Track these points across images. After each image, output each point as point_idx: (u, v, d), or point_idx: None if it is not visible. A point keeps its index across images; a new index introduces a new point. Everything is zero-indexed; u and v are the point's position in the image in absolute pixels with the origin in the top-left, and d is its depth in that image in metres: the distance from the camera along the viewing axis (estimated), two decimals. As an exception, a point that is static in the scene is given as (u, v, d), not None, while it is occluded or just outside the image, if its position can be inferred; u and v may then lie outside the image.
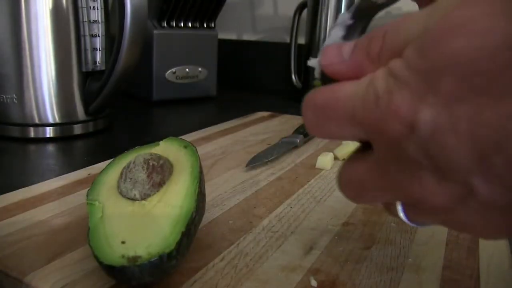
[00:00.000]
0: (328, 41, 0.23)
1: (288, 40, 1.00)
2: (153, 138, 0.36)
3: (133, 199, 0.28)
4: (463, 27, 0.15)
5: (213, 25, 0.89)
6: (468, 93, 0.14)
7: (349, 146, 0.52)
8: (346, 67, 0.20)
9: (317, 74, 0.23)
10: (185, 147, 0.33)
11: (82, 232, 0.31)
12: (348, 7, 0.86)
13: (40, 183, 0.40)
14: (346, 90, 0.19)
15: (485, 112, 0.14)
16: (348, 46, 0.20)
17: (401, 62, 0.17)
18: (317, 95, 0.20)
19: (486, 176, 0.15)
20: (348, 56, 0.20)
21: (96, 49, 0.58)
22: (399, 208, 0.20)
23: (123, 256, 0.24)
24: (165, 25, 0.83)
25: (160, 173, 0.29)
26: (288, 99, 0.98)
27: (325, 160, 0.48)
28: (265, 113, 0.75)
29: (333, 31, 0.23)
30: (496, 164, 0.14)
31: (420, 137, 0.16)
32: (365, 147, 0.20)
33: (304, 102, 0.20)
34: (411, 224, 0.20)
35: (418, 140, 0.16)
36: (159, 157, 0.31)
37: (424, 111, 0.15)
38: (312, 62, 0.23)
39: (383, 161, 0.18)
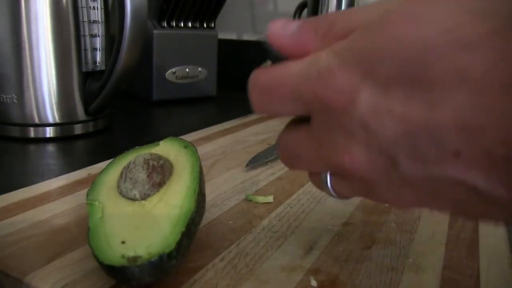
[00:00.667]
0: None
1: (288, 40, 1.00)
2: (153, 138, 0.36)
3: (133, 199, 0.28)
4: (407, 18, 0.16)
5: (213, 25, 0.89)
6: (403, 78, 0.16)
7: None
8: (291, 41, 0.20)
9: (270, 56, 0.23)
10: (185, 147, 0.33)
11: (82, 232, 0.31)
12: (348, 6, 0.86)
13: (40, 183, 0.40)
14: (290, 68, 0.20)
15: (415, 98, 0.16)
16: (295, 22, 0.21)
17: (346, 43, 0.18)
18: (262, 75, 0.21)
19: (410, 152, 0.17)
20: (294, 30, 0.20)
21: (96, 49, 0.58)
22: (328, 178, 0.21)
23: (123, 256, 0.24)
24: (165, 25, 0.83)
25: (160, 173, 0.29)
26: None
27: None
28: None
29: None
30: (420, 142, 0.16)
31: (358, 112, 0.17)
32: (303, 119, 0.21)
33: (249, 82, 0.21)
34: (334, 196, 0.22)
35: (355, 114, 0.17)
36: (159, 157, 0.31)
37: (364, 91, 0.17)
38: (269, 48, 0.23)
39: (319, 132, 0.20)
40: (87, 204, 0.29)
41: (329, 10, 0.86)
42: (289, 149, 0.22)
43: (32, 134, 0.57)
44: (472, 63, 0.15)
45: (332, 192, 0.22)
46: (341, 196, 0.22)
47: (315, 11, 0.88)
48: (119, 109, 0.76)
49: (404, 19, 0.16)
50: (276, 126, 0.67)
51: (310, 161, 0.21)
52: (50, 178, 0.41)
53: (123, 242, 0.25)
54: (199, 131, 0.61)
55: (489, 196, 0.16)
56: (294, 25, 0.21)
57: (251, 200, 0.38)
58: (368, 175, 0.18)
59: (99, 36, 0.58)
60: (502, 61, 0.14)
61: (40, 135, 0.57)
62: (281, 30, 0.21)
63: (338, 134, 0.18)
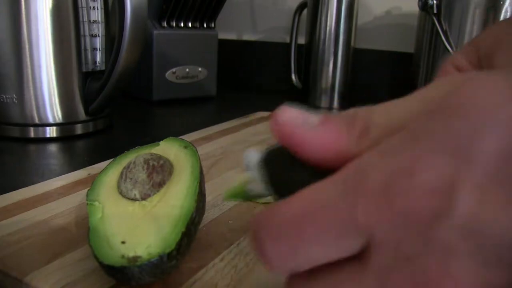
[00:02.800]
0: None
1: (288, 40, 1.00)
2: (153, 138, 0.36)
3: (133, 199, 0.28)
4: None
5: (213, 25, 0.89)
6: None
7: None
8: (315, 136, 0.15)
9: (258, 177, 0.16)
10: (185, 147, 0.33)
11: (82, 232, 0.31)
12: (348, 6, 0.86)
13: (40, 183, 0.40)
14: (323, 188, 0.14)
15: None
16: (315, 115, 0.15)
17: (410, 134, 0.13)
18: (278, 210, 0.14)
19: None
20: (316, 123, 0.15)
21: (96, 49, 0.58)
22: None
23: (123, 256, 0.24)
24: (165, 25, 0.83)
25: (160, 173, 0.29)
26: (288, 99, 0.98)
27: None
28: (265, 113, 0.75)
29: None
30: None
31: (459, 216, 0.12)
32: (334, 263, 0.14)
33: (254, 227, 0.15)
34: None
35: (455, 221, 0.12)
36: (159, 157, 0.31)
37: (465, 185, 0.12)
38: (251, 156, 0.17)
39: (387, 268, 0.13)
40: (87, 204, 0.29)
41: (329, 10, 0.86)
42: None
43: (32, 134, 0.57)
44: None
45: None
46: None
47: (315, 11, 0.88)
48: (119, 109, 0.76)
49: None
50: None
51: None
52: (50, 178, 0.41)
53: (123, 242, 0.25)
54: (199, 131, 0.61)
55: None
56: (313, 118, 0.15)
57: (251, 200, 0.38)
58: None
59: (99, 36, 0.58)
60: None
61: (40, 135, 0.57)
62: (297, 119, 0.15)
63: (426, 257, 0.13)
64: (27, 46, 0.54)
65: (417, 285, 0.13)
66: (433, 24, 0.72)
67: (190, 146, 0.33)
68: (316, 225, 0.13)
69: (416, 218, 0.13)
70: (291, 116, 0.15)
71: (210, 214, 0.35)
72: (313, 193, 0.14)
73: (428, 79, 0.78)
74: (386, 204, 0.13)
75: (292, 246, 0.14)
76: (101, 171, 0.32)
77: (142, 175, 0.29)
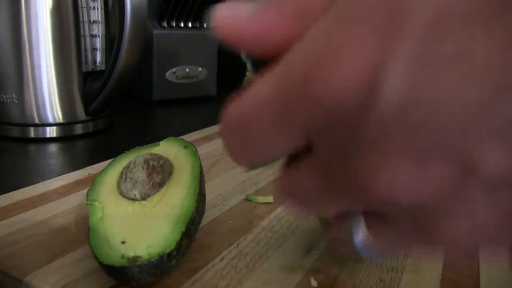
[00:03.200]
0: None
1: (288, 40, 1.00)
2: (153, 138, 0.36)
3: (133, 199, 0.28)
4: None
5: (213, 25, 0.89)
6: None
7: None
8: (254, 28, 0.14)
9: (249, 67, 0.17)
10: (186, 147, 0.33)
11: (82, 232, 0.31)
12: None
13: (40, 183, 0.40)
14: (263, 80, 0.14)
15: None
16: (254, 5, 0.14)
17: (339, 9, 0.12)
18: (231, 109, 0.15)
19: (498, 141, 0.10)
20: (252, 14, 0.14)
21: (96, 49, 0.58)
22: (355, 227, 0.15)
23: (123, 256, 0.24)
24: (165, 25, 0.83)
25: (160, 173, 0.29)
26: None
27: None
28: (265, 113, 0.75)
29: None
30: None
31: (388, 102, 0.11)
32: (295, 155, 0.15)
33: (220, 124, 0.16)
34: (365, 253, 0.15)
35: (384, 107, 0.11)
36: (159, 157, 0.31)
37: (394, 62, 0.11)
38: (244, 56, 0.18)
39: (328, 158, 0.13)
40: (87, 204, 0.29)
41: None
42: (295, 196, 0.15)
43: (32, 134, 0.57)
44: None
45: (362, 246, 0.15)
46: (378, 250, 0.15)
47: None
48: (119, 109, 0.76)
49: None
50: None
51: (332, 201, 0.14)
52: (50, 178, 0.41)
53: (123, 242, 0.25)
54: (199, 131, 0.61)
55: None
56: (248, 7, 0.14)
57: (251, 200, 0.38)
58: (426, 194, 0.12)
59: (99, 36, 0.58)
60: None
61: (40, 135, 0.57)
62: (234, 12, 0.14)
63: (360, 149, 0.12)
64: (27, 46, 0.54)
65: (356, 181, 0.12)
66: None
67: (190, 146, 0.33)
68: (258, 122, 0.14)
69: (342, 112, 0.11)
70: (229, 10, 0.15)
71: (210, 214, 0.35)
72: (256, 89, 0.14)
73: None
74: (310, 99, 0.12)
75: (243, 141, 0.14)
76: (101, 171, 0.32)
77: (142, 175, 0.29)
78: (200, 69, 0.89)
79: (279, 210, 0.36)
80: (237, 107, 0.14)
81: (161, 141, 0.34)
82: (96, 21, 0.57)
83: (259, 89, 0.14)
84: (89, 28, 0.57)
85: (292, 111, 0.13)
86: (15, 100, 0.56)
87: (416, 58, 0.10)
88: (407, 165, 0.11)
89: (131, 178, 0.29)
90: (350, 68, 0.11)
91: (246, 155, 0.15)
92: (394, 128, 0.11)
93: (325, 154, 0.13)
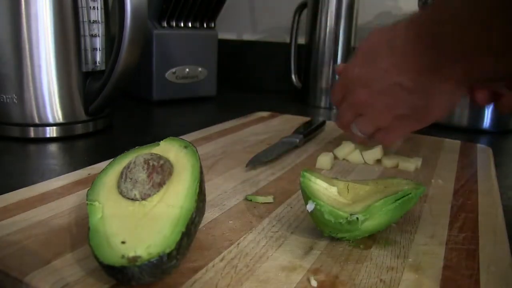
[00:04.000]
0: None
1: (288, 40, 1.00)
2: (153, 138, 0.36)
3: (133, 199, 0.28)
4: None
5: (213, 25, 0.89)
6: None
7: (349, 146, 0.52)
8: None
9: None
10: (186, 147, 0.33)
11: (82, 232, 0.31)
12: (348, 6, 0.86)
13: (40, 183, 0.40)
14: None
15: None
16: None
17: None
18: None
19: (362, 83, 0.45)
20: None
21: (96, 49, 0.58)
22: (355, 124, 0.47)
23: (123, 256, 0.24)
24: (165, 25, 0.83)
25: (160, 173, 0.29)
26: (288, 99, 0.98)
27: (325, 160, 0.48)
28: (265, 113, 0.75)
29: None
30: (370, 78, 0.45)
31: (354, 78, 0.44)
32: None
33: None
34: (358, 131, 0.47)
35: (354, 80, 0.44)
36: (160, 157, 0.31)
37: (354, 69, 0.44)
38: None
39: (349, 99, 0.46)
40: (87, 204, 0.29)
41: (329, 10, 0.86)
42: (340, 115, 0.49)
43: (32, 134, 0.57)
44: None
45: (357, 130, 0.47)
46: (363, 130, 0.47)
47: (315, 11, 0.88)
48: (119, 109, 0.77)
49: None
50: (276, 126, 0.67)
51: (347, 110, 0.47)
52: (50, 178, 0.41)
53: (123, 242, 0.25)
54: (199, 131, 0.61)
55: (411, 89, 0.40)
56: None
57: (251, 200, 0.38)
58: (365, 100, 0.43)
59: (99, 36, 0.58)
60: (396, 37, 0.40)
61: (40, 135, 0.57)
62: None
63: (354, 92, 0.45)
64: (27, 46, 0.54)
65: (358, 104, 0.45)
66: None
67: (190, 146, 0.33)
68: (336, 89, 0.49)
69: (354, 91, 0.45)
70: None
71: (210, 214, 0.35)
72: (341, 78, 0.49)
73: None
74: (350, 91, 0.46)
75: (337, 97, 0.49)
76: (101, 171, 0.32)
77: (142, 175, 0.29)
78: (200, 69, 0.89)
79: (279, 210, 0.36)
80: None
81: (161, 141, 0.34)
82: (96, 21, 0.57)
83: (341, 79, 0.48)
84: (89, 28, 0.57)
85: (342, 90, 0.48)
86: (15, 100, 0.56)
87: (363, 63, 0.44)
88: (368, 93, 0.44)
89: (131, 178, 0.29)
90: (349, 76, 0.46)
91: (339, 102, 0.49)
92: (362, 85, 0.44)
93: (348, 100, 0.47)
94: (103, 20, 0.58)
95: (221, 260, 0.28)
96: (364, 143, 0.50)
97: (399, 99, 0.40)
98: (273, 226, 0.34)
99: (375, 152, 0.51)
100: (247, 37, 1.14)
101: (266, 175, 0.45)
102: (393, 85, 0.39)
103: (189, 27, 0.86)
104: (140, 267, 0.23)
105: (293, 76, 0.98)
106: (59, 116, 0.58)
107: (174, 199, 0.28)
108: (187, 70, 0.87)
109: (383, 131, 0.46)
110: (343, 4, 0.86)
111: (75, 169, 0.44)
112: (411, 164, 0.49)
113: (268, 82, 1.11)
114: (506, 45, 0.31)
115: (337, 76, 0.51)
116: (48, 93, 0.56)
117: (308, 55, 0.91)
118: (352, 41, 0.88)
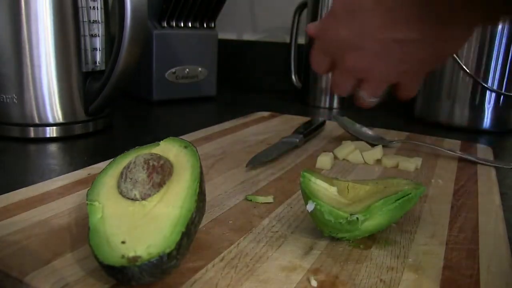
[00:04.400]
0: None
1: (288, 40, 1.00)
2: (153, 138, 0.36)
3: (133, 199, 0.28)
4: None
5: (213, 25, 0.89)
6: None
7: (349, 147, 0.52)
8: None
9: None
10: (186, 147, 0.33)
11: (82, 232, 0.31)
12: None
13: (40, 183, 0.40)
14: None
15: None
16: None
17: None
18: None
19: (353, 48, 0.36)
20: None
21: (96, 49, 0.58)
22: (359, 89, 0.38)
23: (123, 256, 0.24)
24: (165, 25, 0.83)
25: (161, 173, 0.29)
26: (288, 99, 0.98)
27: (325, 160, 0.48)
28: (265, 113, 0.75)
29: None
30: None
31: (342, 38, 0.35)
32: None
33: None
34: (368, 97, 0.38)
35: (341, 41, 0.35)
36: (160, 157, 0.31)
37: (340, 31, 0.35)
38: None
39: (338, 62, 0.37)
40: (87, 204, 0.29)
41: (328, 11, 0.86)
42: (334, 82, 0.39)
43: (32, 134, 0.57)
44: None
45: (365, 97, 0.38)
46: (374, 95, 0.39)
47: (315, 11, 0.88)
48: (119, 109, 0.77)
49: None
50: (276, 126, 0.67)
51: (342, 80, 0.38)
52: (50, 178, 0.41)
53: (123, 242, 0.25)
54: (199, 131, 0.61)
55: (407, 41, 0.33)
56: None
57: (251, 200, 0.38)
58: (362, 65, 0.35)
59: (99, 36, 0.58)
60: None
61: (40, 135, 0.57)
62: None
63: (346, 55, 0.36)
64: (27, 46, 0.54)
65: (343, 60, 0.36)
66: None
67: (190, 146, 0.33)
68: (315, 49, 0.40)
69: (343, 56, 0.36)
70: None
71: (210, 214, 0.35)
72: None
73: (428, 78, 0.78)
74: (338, 56, 0.36)
75: (320, 65, 0.39)
76: (101, 171, 0.32)
77: (142, 175, 0.29)
78: (200, 69, 0.89)
79: (279, 210, 0.36)
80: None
81: (161, 141, 0.34)
82: (96, 21, 0.57)
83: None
84: (89, 28, 0.57)
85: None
86: (15, 100, 0.56)
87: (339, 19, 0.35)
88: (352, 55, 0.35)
89: (131, 178, 0.29)
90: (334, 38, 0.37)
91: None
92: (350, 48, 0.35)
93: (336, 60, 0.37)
94: (103, 20, 0.58)
95: (221, 260, 0.28)
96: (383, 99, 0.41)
97: (403, 55, 0.34)
98: (273, 226, 0.34)
99: (375, 152, 0.51)
100: (247, 37, 1.14)
101: (266, 175, 0.45)
102: (391, 42, 0.33)
103: (189, 27, 0.86)
104: (140, 267, 0.23)
105: (293, 76, 0.98)
106: (59, 116, 0.58)
107: (174, 199, 0.28)
108: (187, 70, 0.87)
109: (398, 87, 0.38)
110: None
111: (75, 169, 0.44)
112: (411, 164, 0.49)
113: (268, 82, 1.11)
114: None
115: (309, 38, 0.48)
116: (48, 93, 0.56)
117: (308, 55, 0.91)
118: (352, 41, 0.88)
